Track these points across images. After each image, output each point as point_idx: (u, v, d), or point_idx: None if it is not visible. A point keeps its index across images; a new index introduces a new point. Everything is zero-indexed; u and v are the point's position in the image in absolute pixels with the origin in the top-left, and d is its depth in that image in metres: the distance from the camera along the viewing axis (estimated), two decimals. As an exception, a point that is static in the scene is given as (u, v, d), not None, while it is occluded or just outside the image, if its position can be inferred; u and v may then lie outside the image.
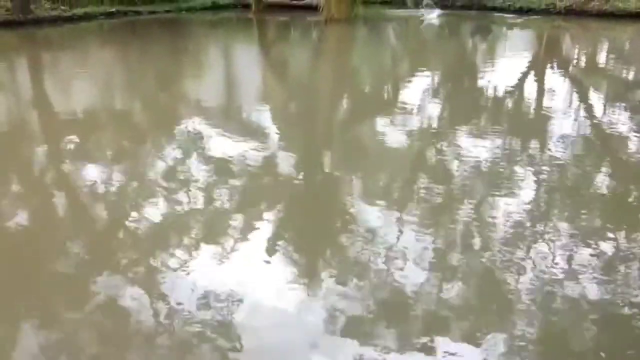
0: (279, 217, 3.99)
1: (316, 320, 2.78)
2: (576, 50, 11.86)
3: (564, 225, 3.69)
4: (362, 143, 5.77)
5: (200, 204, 4.16)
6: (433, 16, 15.73)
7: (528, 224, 3.70)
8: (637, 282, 3.03)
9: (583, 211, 3.95)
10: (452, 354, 2.54)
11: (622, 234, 3.59)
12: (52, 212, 4.24)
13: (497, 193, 4.23)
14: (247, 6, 17.50)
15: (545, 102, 7.18)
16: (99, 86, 8.57)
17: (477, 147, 5.23)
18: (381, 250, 3.38)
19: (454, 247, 3.45)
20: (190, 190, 4.37)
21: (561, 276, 3.07)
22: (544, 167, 4.75)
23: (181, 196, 4.27)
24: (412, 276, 3.12)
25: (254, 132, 5.95)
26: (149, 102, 7.65)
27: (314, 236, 3.74)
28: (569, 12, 14.19)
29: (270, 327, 2.75)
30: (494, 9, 15.52)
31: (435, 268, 3.21)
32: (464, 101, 7.40)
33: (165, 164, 5.05)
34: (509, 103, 7.22)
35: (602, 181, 4.58)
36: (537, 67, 9.75)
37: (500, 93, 7.56)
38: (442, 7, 16.54)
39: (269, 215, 3.97)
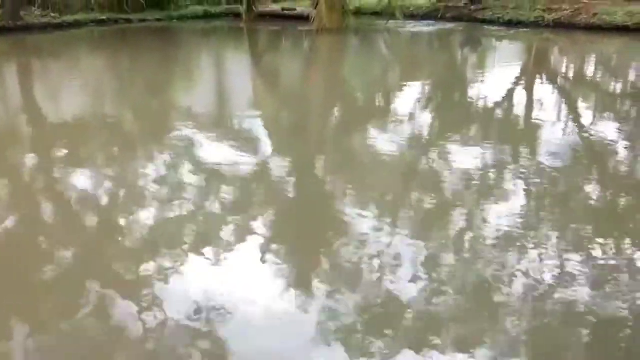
0: (270, 226, 3.98)
1: (307, 329, 2.78)
2: (565, 63, 11.98)
3: (553, 235, 3.71)
4: (353, 152, 5.78)
5: (190, 213, 4.14)
6: (423, 28, 15.82)
7: (517, 234, 3.72)
8: (627, 292, 3.04)
9: (572, 221, 3.98)
10: (442, 364, 2.54)
11: (612, 243, 3.61)
12: (39, 220, 4.21)
13: (486, 203, 4.25)
14: (238, 15, 17.54)
15: (534, 113, 7.24)
16: (88, 94, 8.55)
17: (466, 157, 5.25)
18: (372, 259, 3.39)
19: (444, 256, 3.45)
20: (180, 199, 4.35)
21: (551, 286, 3.08)
22: (533, 177, 4.78)
23: (171, 205, 4.25)
24: (403, 285, 3.13)
25: (245, 141, 5.94)
26: (139, 110, 7.63)
27: (305, 245, 3.74)
28: (558, 25, 14.33)
29: (261, 335, 2.74)
30: (484, 21, 15.64)
31: (426, 277, 3.21)
32: (453, 112, 7.44)
33: (155, 172, 5.03)
34: (498, 114, 7.27)
35: (590, 191, 4.61)
36: (526, 78, 9.83)
37: (489, 104, 7.61)
38: (432, 19, 16.66)
39: (259, 225, 3.96)
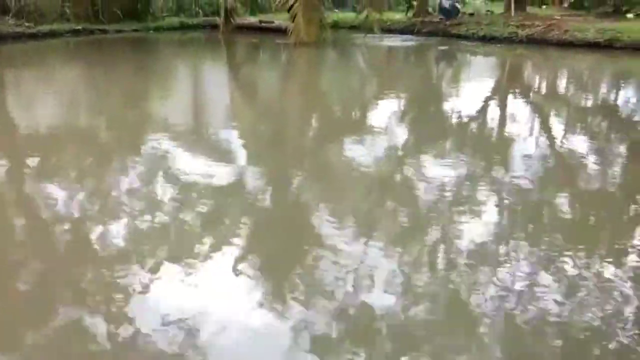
0: (244, 239, 3.97)
1: (281, 342, 2.77)
2: (537, 78, 12.20)
3: (525, 248, 3.76)
4: (328, 165, 5.81)
5: (163, 225, 4.11)
6: (400, 42, 16.00)
7: (491, 246, 3.77)
8: (596, 305, 3.09)
9: (544, 234, 4.04)
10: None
11: (583, 256, 3.67)
12: (6, 231, 4.14)
13: (459, 216, 4.29)
14: (215, 27, 17.54)
15: (506, 127, 7.36)
16: (61, 104, 8.46)
17: (439, 170, 5.32)
18: (348, 271, 3.39)
19: (419, 268, 3.48)
20: (153, 211, 4.31)
21: (523, 298, 3.12)
22: (504, 190, 4.85)
23: (145, 217, 4.22)
24: (377, 298, 3.14)
25: (220, 153, 5.93)
26: (113, 121, 7.56)
27: (279, 258, 3.73)
28: (530, 41, 14.60)
29: (234, 349, 2.72)
30: (459, 36, 15.88)
31: (399, 290, 3.22)
32: (427, 126, 7.53)
33: (128, 184, 4.98)
34: (470, 127, 7.36)
35: (561, 204, 4.69)
36: (498, 93, 9.99)
37: (463, 118, 7.72)
38: (409, 33, 16.87)
39: (233, 237, 3.94)
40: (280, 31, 15.99)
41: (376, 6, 16.13)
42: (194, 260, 3.56)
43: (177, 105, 8.78)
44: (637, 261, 3.64)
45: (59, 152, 6.05)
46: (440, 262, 3.59)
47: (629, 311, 3.03)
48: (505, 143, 6.64)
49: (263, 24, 18.14)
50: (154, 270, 3.43)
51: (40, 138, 6.59)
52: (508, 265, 3.51)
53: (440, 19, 17.09)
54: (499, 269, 3.45)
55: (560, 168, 5.70)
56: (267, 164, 5.77)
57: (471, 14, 17.96)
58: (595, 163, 5.79)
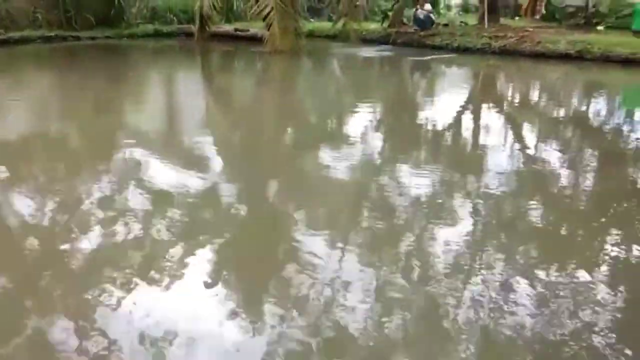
0: (219, 249, 3.91)
1: (255, 355, 2.72)
2: (510, 88, 12.35)
3: (499, 257, 3.77)
4: (301, 175, 5.78)
5: (137, 236, 4.03)
6: (375, 52, 16.08)
7: (465, 256, 3.77)
8: (570, 314, 3.10)
9: (518, 244, 4.06)
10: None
11: (556, 266, 3.69)
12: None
13: (432, 225, 4.29)
14: (190, 35, 17.39)
15: (478, 136, 7.42)
16: (31, 112, 8.30)
17: (412, 180, 5.34)
18: (323, 282, 3.36)
19: (394, 278, 3.46)
20: (124, 222, 4.23)
21: (497, 308, 3.12)
22: (478, 200, 4.87)
23: (117, 228, 4.13)
24: (354, 308, 3.11)
25: (194, 162, 5.86)
26: (84, 130, 7.44)
27: (253, 269, 3.69)
28: (503, 52, 14.80)
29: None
30: (433, 47, 16.01)
31: (374, 301, 3.21)
32: (401, 135, 7.55)
33: (100, 194, 4.88)
34: (443, 137, 7.41)
35: (533, 214, 4.72)
36: (471, 103, 10.08)
37: (436, 127, 7.77)
38: (384, 43, 16.97)
39: (208, 247, 3.89)
40: (256, 39, 15.95)
41: (352, 16, 16.18)
42: (164, 272, 3.49)
43: (150, 114, 8.68)
44: (608, 269, 3.68)
45: (26, 160, 5.92)
46: (414, 272, 3.58)
47: (603, 318, 3.06)
48: (476, 152, 6.69)
49: (238, 32, 18.08)
50: (123, 282, 3.36)
51: (7, 146, 6.44)
52: (481, 274, 3.51)
53: (415, 29, 17.22)
54: (472, 278, 3.45)
55: (530, 177, 5.75)
56: (239, 173, 5.73)
57: (445, 25, 18.14)
58: (565, 172, 5.86)
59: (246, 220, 4.54)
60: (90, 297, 3.19)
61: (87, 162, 6.00)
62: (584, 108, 9.94)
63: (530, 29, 16.37)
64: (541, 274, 3.55)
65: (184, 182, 5.14)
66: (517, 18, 21.93)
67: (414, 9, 17.80)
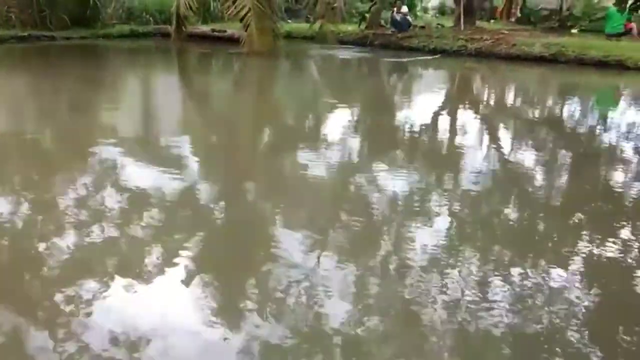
0: (196, 251, 3.88)
1: (235, 355, 2.71)
2: (485, 90, 12.49)
3: (476, 256, 3.80)
4: (279, 176, 5.77)
5: (111, 238, 3.98)
6: (352, 53, 16.13)
7: (443, 255, 3.79)
8: (546, 311, 3.14)
9: (495, 242, 4.10)
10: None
11: (531, 263, 3.73)
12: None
13: (410, 225, 4.32)
14: (166, 35, 17.23)
15: (454, 137, 7.47)
16: (3, 113, 8.16)
17: (391, 180, 5.36)
18: (302, 282, 3.36)
19: (371, 278, 3.47)
20: (100, 224, 4.17)
21: (474, 306, 3.15)
22: (454, 200, 4.91)
23: (92, 229, 4.07)
24: (333, 308, 3.11)
25: (169, 163, 5.79)
26: (58, 131, 7.34)
27: (231, 270, 3.66)
28: (479, 54, 14.95)
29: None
30: (411, 49, 16.11)
31: (353, 300, 3.21)
32: (377, 135, 7.58)
33: (75, 195, 4.82)
34: (419, 138, 7.45)
35: (509, 214, 4.77)
36: (448, 104, 10.17)
37: (413, 128, 7.81)
38: (361, 45, 17.03)
39: (184, 250, 3.84)
40: (233, 40, 15.86)
41: (329, 18, 16.20)
42: (141, 274, 3.46)
43: (126, 115, 8.57)
44: (581, 267, 3.74)
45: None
46: (392, 272, 3.60)
47: (578, 314, 3.10)
48: (451, 153, 6.74)
49: (216, 33, 17.98)
50: (100, 284, 3.31)
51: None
52: (457, 273, 3.54)
53: (392, 31, 17.32)
54: (448, 277, 3.48)
55: (504, 177, 5.82)
56: (215, 173, 5.70)
57: (422, 27, 18.26)
58: (539, 173, 5.94)
59: (221, 220, 4.52)
60: (61, 299, 3.13)
61: (60, 161, 5.92)
62: (557, 109, 10.09)
63: (506, 32, 16.58)
64: (516, 269, 3.59)
65: (157, 184, 5.08)
66: (492, 21, 22.20)
67: (391, 11, 17.91)
